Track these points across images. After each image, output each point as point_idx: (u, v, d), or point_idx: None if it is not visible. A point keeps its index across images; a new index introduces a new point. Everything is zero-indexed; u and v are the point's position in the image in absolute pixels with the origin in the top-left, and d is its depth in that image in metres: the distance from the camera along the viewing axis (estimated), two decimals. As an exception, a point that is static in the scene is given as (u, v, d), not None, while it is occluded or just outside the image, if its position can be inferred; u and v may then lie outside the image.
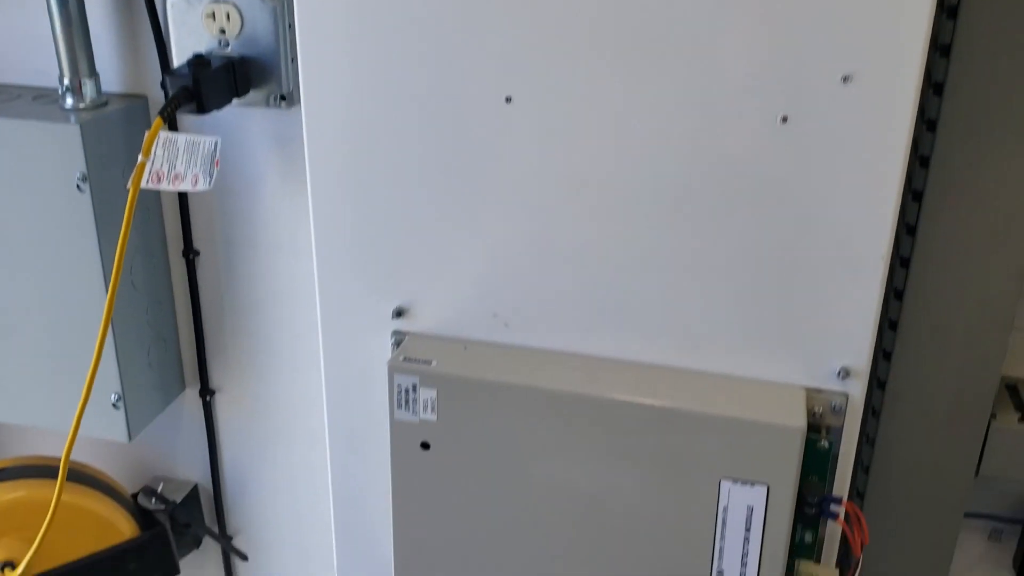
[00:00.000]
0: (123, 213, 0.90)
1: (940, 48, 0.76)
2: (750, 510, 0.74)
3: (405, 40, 0.73)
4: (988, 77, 0.74)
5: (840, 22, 0.64)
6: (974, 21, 0.74)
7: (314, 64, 0.76)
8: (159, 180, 0.89)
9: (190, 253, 1.06)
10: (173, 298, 1.09)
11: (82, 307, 0.99)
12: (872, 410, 0.83)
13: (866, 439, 0.84)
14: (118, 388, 1.02)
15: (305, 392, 1.09)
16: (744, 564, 0.76)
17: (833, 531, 0.78)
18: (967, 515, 0.86)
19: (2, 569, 1.04)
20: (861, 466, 0.85)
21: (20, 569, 1.03)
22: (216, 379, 1.12)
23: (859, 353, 0.72)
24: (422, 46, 0.73)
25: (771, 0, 0.65)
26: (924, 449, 0.81)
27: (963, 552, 0.93)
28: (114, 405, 1.03)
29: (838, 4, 0.64)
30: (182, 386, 1.13)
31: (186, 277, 1.07)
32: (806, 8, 0.65)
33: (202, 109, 0.88)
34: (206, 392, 1.12)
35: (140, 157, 0.86)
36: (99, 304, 0.97)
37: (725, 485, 0.74)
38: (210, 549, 1.22)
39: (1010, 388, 0.85)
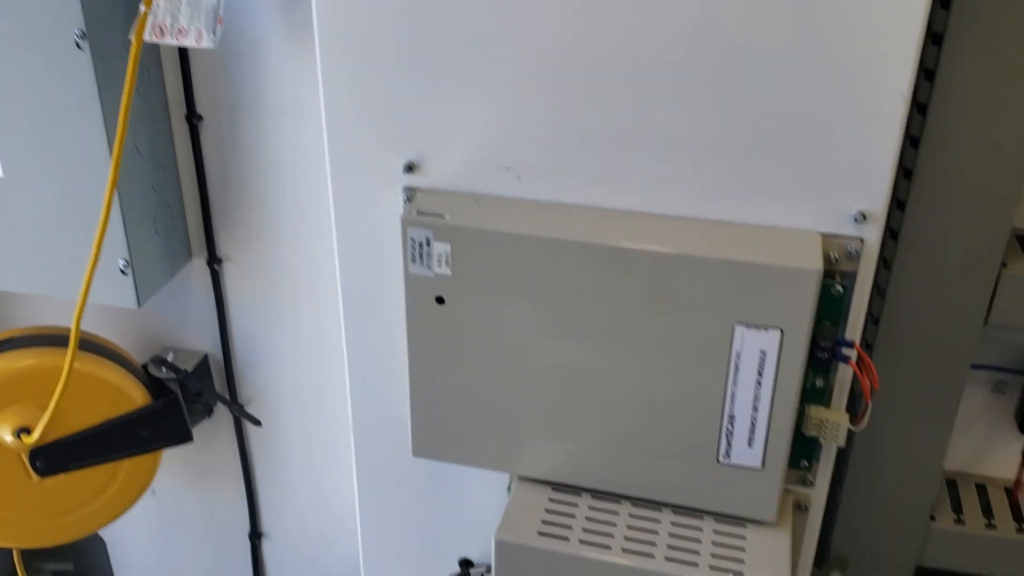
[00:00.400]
0: (124, 73, 0.88)
1: None
2: (763, 355, 0.75)
3: None
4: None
5: None
6: None
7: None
8: (162, 33, 0.87)
9: (193, 118, 1.04)
10: (177, 164, 1.07)
11: (86, 171, 0.98)
12: (884, 261, 0.84)
13: (877, 290, 0.85)
14: (126, 254, 1.01)
15: (313, 258, 1.09)
16: (755, 409, 0.77)
17: (843, 378, 0.79)
18: (972, 367, 0.88)
19: (18, 435, 1.05)
20: (871, 318, 0.86)
21: (36, 435, 1.04)
22: (223, 247, 1.12)
23: (876, 196, 0.72)
24: None
25: None
26: (934, 298, 0.82)
27: (967, 404, 0.95)
28: (122, 271, 1.02)
29: None
30: (189, 255, 1.13)
31: (189, 143, 1.06)
32: None
33: None
34: (213, 260, 1.12)
35: (142, 7, 0.84)
36: (103, 168, 0.96)
37: (739, 330, 0.74)
38: (222, 418, 1.24)
39: (1020, 239, 0.86)
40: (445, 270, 0.79)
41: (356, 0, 0.76)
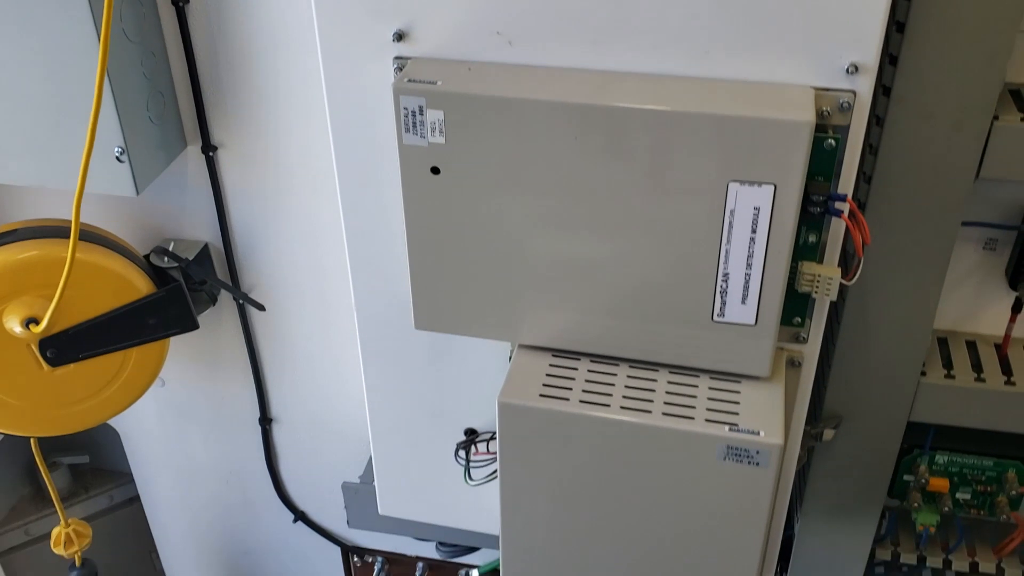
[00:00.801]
0: None
1: None
2: (756, 211, 0.75)
3: None
4: None
5: None
6: None
7: None
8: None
9: (179, 0, 1.03)
10: (166, 50, 1.06)
11: (75, 59, 0.97)
12: (876, 118, 0.84)
13: (869, 148, 0.85)
14: (121, 142, 1.02)
15: (308, 141, 1.09)
16: (749, 266, 0.78)
17: (835, 235, 0.80)
18: (963, 224, 0.89)
19: (27, 325, 1.07)
20: (864, 177, 0.87)
21: (43, 324, 1.06)
22: (217, 135, 1.12)
23: (868, 47, 0.71)
24: None
25: None
26: (925, 154, 0.82)
27: (958, 262, 0.97)
28: (118, 159, 1.03)
29: None
30: (183, 143, 1.13)
31: (178, 27, 1.05)
32: None
33: None
34: (208, 148, 1.12)
35: None
36: (92, 54, 0.96)
37: (732, 187, 0.75)
38: (227, 307, 1.26)
39: (1013, 93, 0.86)
40: (439, 139, 0.79)
41: None
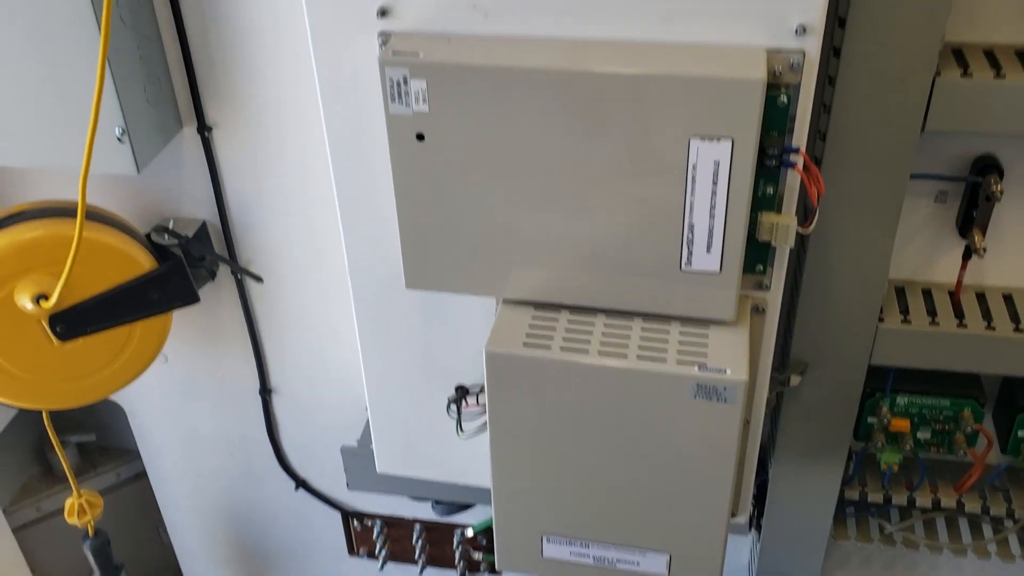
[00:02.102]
0: None
1: None
2: (716, 165, 0.82)
3: None
4: None
5: None
6: None
7: None
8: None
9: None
10: (160, 33, 1.12)
11: (73, 43, 1.03)
12: (828, 78, 0.90)
13: (823, 107, 0.92)
14: (121, 122, 1.07)
15: (299, 116, 1.14)
16: (712, 216, 0.85)
17: (792, 186, 0.87)
18: (914, 176, 0.95)
19: (37, 301, 1.12)
20: (819, 134, 0.93)
21: (53, 300, 1.12)
22: (212, 115, 1.18)
23: (814, 9, 0.78)
24: None
25: None
26: (874, 110, 0.89)
27: (911, 214, 1.03)
28: (119, 139, 1.08)
29: None
30: (179, 124, 1.18)
31: (171, 11, 1.10)
32: None
33: None
34: (203, 128, 1.18)
35: None
36: (89, 38, 1.01)
37: (694, 143, 0.81)
38: (225, 282, 1.31)
39: (955, 52, 0.92)
40: (423, 107, 0.85)
41: None
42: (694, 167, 0.82)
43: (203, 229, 1.26)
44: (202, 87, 1.15)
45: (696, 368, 0.87)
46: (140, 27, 1.09)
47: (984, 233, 1.00)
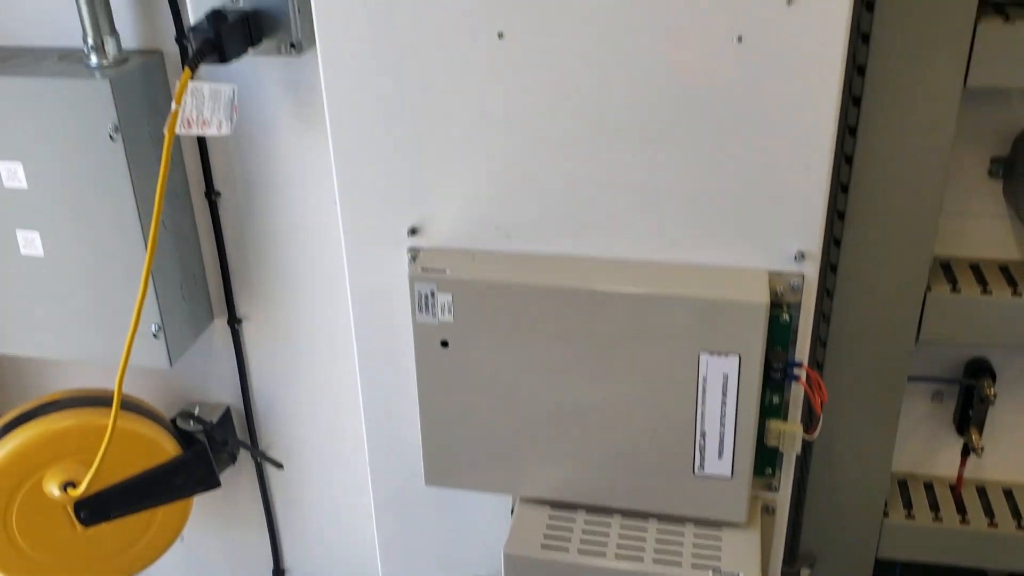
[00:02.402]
0: (149, 157, 1.01)
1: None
2: (725, 378, 0.87)
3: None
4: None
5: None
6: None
7: (328, 12, 0.86)
8: (190, 125, 1.00)
9: (212, 194, 1.17)
10: (198, 236, 1.19)
11: (118, 247, 1.10)
12: (827, 291, 0.97)
13: (823, 317, 0.98)
14: (158, 319, 1.13)
15: (325, 314, 1.21)
16: (723, 424, 0.89)
17: (796, 395, 0.92)
18: (911, 379, 1.00)
19: (64, 488, 1.15)
20: (820, 341, 0.99)
21: (82, 488, 1.15)
22: (242, 309, 1.24)
23: (812, 237, 0.85)
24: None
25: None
26: (871, 321, 0.95)
27: (910, 413, 1.08)
28: (154, 335, 1.14)
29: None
30: (211, 317, 1.25)
31: (209, 217, 1.18)
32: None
33: (224, 59, 0.97)
34: (234, 321, 1.24)
35: (173, 105, 0.96)
36: (135, 243, 1.09)
37: (703, 357, 0.87)
38: (245, 465, 1.35)
39: (943, 266, 0.99)
40: (448, 317, 0.91)
41: (362, 82, 0.88)
42: (704, 379, 0.88)
43: (227, 414, 1.30)
44: (235, 283, 1.22)
45: (711, 573, 0.89)
46: (180, 231, 1.16)
47: (981, 432, 1.05)
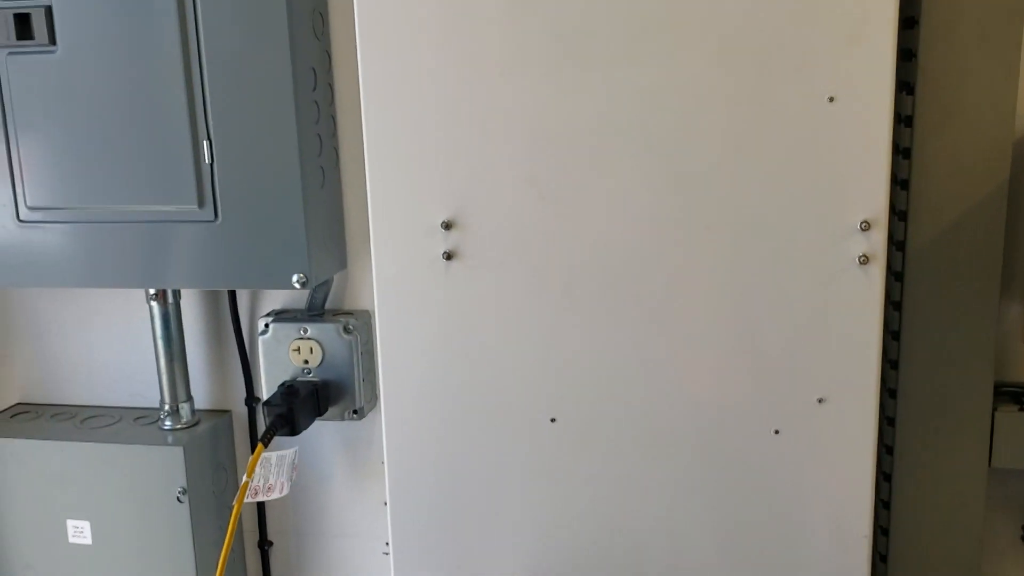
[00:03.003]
0: (211, 514, 1.04)
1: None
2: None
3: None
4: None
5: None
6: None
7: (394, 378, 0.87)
8: (256, 494, 0.98)
9: (264, 544, 1.13)
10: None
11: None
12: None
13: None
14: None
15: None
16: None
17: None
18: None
19: None
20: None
21: None
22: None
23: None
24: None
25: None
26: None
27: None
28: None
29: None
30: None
31: (260, 566, 1.14)
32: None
33: (294, 432, 0.97)
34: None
35: (244, 478, 0.94)
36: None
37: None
38: None
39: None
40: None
41: (424, 452, 0.88)
42: None
43: None
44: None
45: None
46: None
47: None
